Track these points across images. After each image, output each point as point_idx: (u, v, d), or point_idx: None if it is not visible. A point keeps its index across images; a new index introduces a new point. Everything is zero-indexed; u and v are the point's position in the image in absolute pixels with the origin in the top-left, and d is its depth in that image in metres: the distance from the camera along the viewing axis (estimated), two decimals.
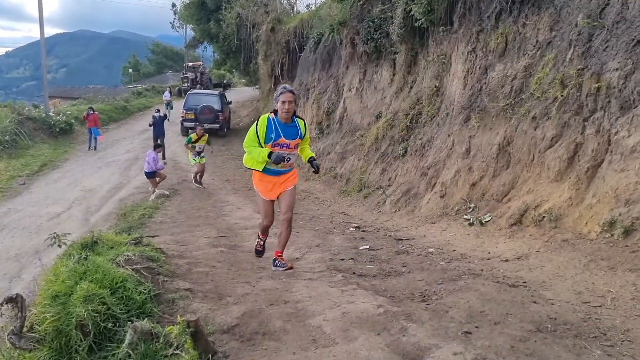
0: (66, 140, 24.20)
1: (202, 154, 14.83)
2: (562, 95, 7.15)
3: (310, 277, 5.52)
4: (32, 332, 3.80)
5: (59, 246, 4.91)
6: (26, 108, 25.93)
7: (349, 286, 4.99)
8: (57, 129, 24.43)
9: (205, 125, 23.78)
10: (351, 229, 9.01)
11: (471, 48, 10.05)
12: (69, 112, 26.96)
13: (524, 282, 5.19)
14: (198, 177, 15.27)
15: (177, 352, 3.40)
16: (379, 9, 13.97)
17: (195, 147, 14.58)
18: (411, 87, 12.81)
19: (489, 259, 6.34)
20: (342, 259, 6.52)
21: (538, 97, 7.75)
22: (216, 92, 28.09)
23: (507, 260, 6.13)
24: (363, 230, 8.92)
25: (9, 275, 10.05)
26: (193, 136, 14.63)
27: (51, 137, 23.91)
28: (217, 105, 24.71)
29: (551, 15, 8.12)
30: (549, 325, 3.98)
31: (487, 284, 4.97)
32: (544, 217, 6.62)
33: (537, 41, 8.33)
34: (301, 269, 6.04)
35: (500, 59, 9.13)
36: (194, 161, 14.90)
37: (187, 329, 3.30)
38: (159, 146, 15.18)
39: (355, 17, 15.28)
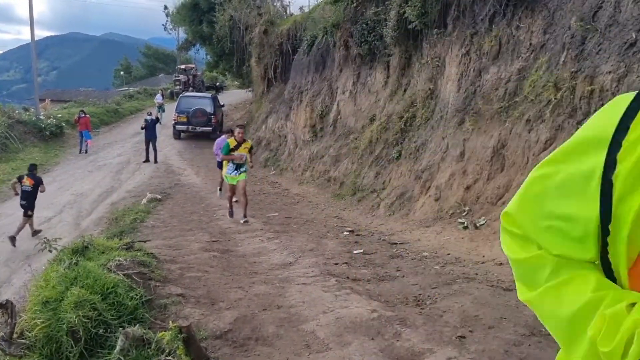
0: (57, 144, 24.02)
1: (243, 168, 10.14)
2: (555, 98, 7.17)
3: (303, 281, 5.49)
4: (22, 339, 3.76)
5: (50, 251, 4.88)
6: (16, 111, 25.72)
7: (342, 291, 4.97)
8: (48, 133, 24.22)
9: (197, 128, 23.81)
10: (345, 233, 8.98)
11: (465, 51, 10.07)
12: (59, 116, 26.77)
13: None
14: (233, 203, 10.61)
15: (169, 358, 3.37)
16: (373, 11, 13.97)
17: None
18: (405, 90, 12.81)
19: (483, 262, 6.33)
20: (336, 264, 6.49)
21: (532, 100, 7.76)
22: (209, 95, 28.03)
23: (501, 264, 6.11)
24: (357, 234, 8.89)
25: None
26: (231, 142, 10.11)
27: (42, 141, 23.71)
28: (209, 108, 24.63)
29: (545, 19, 8.14)
30: (543, 330, 3.96)
31: (482, 288, 4.96)
32: None
33: (530, 44, 8.35)
34: (295, 273, 6.00)
35: (494, 62, 9.15)
36: (228, 178, 10.34)
37: (179, 335, 3.28)
38: (229, 131, 12.71)
39: (348, 20, 15.29)
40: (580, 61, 6.97)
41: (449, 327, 3.98)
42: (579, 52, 7.04)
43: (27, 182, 11.62)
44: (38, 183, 11.79)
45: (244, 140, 10.21)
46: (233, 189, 10.28)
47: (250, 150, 10.34)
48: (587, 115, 6.59)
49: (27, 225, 11.48)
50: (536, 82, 7.79)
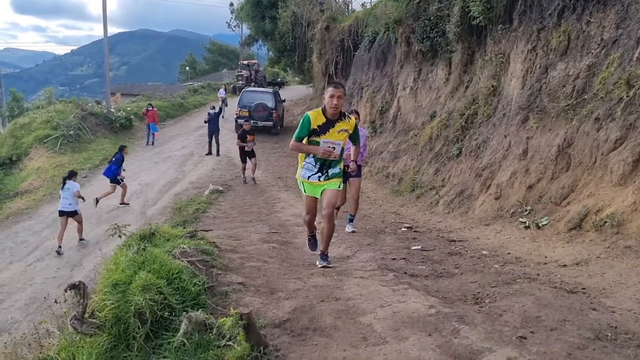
0: (126, 136, 24.99)
1: (334, 169, 5.54)
2: (627, 96, 6.87)
3: (361, 275, 5.50)
4: (93, 318, 3.95)
5: (120, 237, 5.09)
6: (89, 104, 27.04)
7: (400, 286, 4.95)
8: (118, 125, 25.29)
9: (259, 122, 24.15)
10: (403, 229, 8.93)
11: (531, 47, 9.79)
12: (128, 109, 27.85)
13: (583, 289, 5.02)
14: (316, 236, 6.18)
15: (230, 343, 3.47)
16: (436, 7, 13.80)
17: (319, 142, 5.35)
18: (467, 87, 12.59)
19: (545, 263, 6.16)
20: (394, 259, 6.47)
21: (602, 97, 7.47)
22: (270, 90, 28.33)
23: (565, 266, 5.94)
24: (415, 231, 8.83)
25: (71, 263, 10.50)
26: (314, 116, 5.33)
27: (112, 132, 24.76)
28: (270, 103, 24.91)
29: (618, 13, 7.81)
30: (609, 334, 3.83)
31: (544, 289, 4.83)
32: (605, 222, 6.37)
33: (602, 39, 8.03)
34: (352, 267, 6.03)
35: (562, 58, 8.85)
36: (305, 186, 5.67)
37: (239, 322, 3.35)
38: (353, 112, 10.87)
39: (411, 16, 15.16)
40: None
41: (509, 327, 3.91)
42: None
43: (249, 138, 15.25)
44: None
45: (343, 116, 5.43)
46: (313, 205, 5.83)
47: (353, 135, 5.63)
48: None
49: None
50: (607, 79, 7.49)
